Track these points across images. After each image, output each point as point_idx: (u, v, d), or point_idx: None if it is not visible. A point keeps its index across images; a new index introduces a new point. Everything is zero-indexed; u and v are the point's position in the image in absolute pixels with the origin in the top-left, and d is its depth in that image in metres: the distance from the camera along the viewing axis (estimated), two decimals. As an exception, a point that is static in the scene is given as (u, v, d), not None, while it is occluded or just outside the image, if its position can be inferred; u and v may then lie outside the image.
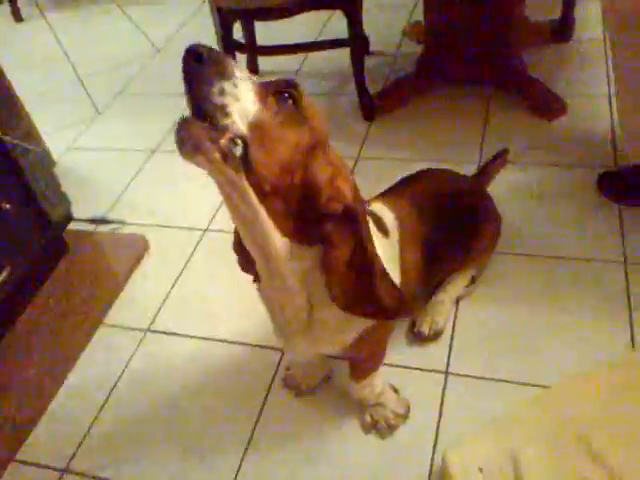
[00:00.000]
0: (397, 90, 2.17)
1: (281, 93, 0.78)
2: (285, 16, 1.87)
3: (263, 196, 0.78)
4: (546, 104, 2.00)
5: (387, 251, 1.05)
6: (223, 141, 0.71)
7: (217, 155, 0.71)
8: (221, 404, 1.35)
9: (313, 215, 0.82)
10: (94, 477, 1.27)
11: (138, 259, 1.76)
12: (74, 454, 1.32)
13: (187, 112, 0.72)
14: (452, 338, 1.38)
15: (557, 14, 2.35)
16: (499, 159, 1.75)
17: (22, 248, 1.56)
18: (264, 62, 2.50)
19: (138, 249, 1.78)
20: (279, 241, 0.84)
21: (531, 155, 1.84)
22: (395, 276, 1.05)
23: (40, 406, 1.42)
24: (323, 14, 2.55)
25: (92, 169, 2.18)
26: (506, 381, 1.28)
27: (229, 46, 2.00)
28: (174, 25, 3.11)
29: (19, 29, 3.48)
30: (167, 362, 1.47)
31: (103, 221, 1.92)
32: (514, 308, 1.42)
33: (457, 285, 1.43)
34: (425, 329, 1.37)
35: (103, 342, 1.55)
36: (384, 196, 1.28)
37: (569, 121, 1.96)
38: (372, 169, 1.91)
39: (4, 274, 1.46)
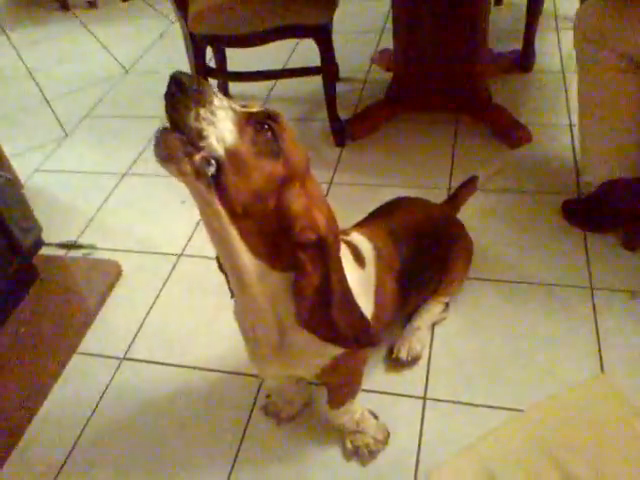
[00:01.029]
0: (367, 116, 2.21)
1: (261, 124, 0.81)
2: (257, 44, 1.90)
3: (235, 217, 0.82)
4: (510, 132, 2.08)
5: (362, 282, 1.08)
6: (197, 157, 0.76)
7: (189, 168, 0.76)
8: (202, 433, 1.35)
9: (286, 242, 0.85)
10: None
11: (111, 285, 1.74)
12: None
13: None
14: (429, 363, 1.42)
15: (519, 46, 2.45)
16: (469, 186, 1.81)
17: (-7, 277, 1.53)
18: (234, 85, 2.52)
19: (111, 275, 1.76)
20: (250, 262, 0.87)
21: (498, 181, 1.91)
22: (369, 307, 1.09)
23: (10, 442, 1.38)
24: (292, 40, 2.59)
25: (61, 192, 2.15)
26: (482, 405, 1.31)
27: (202, 71, 2.01)
28: (141, 46, 3.10)
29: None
30: (145, 391, 1.45)
31: (74, 246, 1.89)
32: (486, 333, 1.47)
33: (432, 311, 1.47)
34: (403, 355, 1.40)
35: (77, 371, 1.52)
36: (363, 226, 1.31)
37: (533, 149, 2.04)
38: (344, 194, 1.95)
39: (-26, 303, 1.42)
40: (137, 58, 3.00)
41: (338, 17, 2.76)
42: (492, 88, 2.21)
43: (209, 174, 0.77)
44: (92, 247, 1.89)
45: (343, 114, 2.22)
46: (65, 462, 1.33)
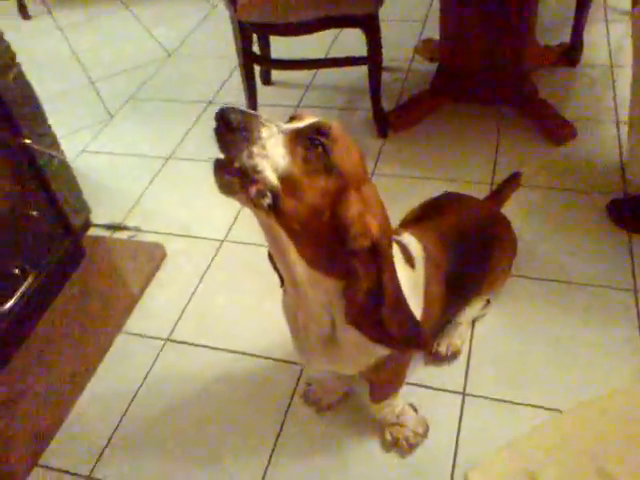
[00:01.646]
0: (411, 108, 2.21)
1: (311, 141, 0.82)
2: (305, 33, 1.90)
3: (292, 233, 0.84)
4: (555, 128, 2.05)
5: (412, 283, 1.09)
6: (252, 191, 0.78)
7: (245, 200, 0.80)
8: (242, 417, 1.38)
9: (341, 250, 0.86)
10: (119, 487, 1.30)
11: (156, 267, 1.78)
12: (96, 462, 1.34)
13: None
14: (469, 359, 1.43)
15: (566, 38, 2.41)
16: (513, 182, 1.80)
17: (45, 254, 1.57)
18: (277, 72, 2.53)
19: (155, 257, 1.80)
20: (305, 271, 0.90)
21: (541, 178, 1.89)
22: (418, 308, 1.09)
23: (59, 415, 1.43)
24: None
25: (106, 174, 2.20)
26: (521, 404, 1.32)
27: (249, 59, 2.03)
28: (184, 29, 3.12)
29: (26, 27, 3.46)
30: (187, 373, 1.49)
31: (120, 227, 1.94)
32: (528, 332, 1.47)
33: (474, 307, 1.47)
34: (443, 350, 1.41)
35: (122, 350, 1.57)
36: (413, 226, 1.31)
37: (578, 145, 2.01)
38: (386, 186, 1.95)
39: (29, 280, 1.47)
40: (180, 41, 3.02)
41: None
42: (538, 82, 2.18)
43: (265, 204, 0.79)
44: (137, 229, 1.93)
45: (385, 104, 2.21)
46: (110, 440, 1.38)
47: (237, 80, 2.37)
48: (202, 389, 1.45)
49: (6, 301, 1.42)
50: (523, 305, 1.53)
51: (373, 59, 1.95)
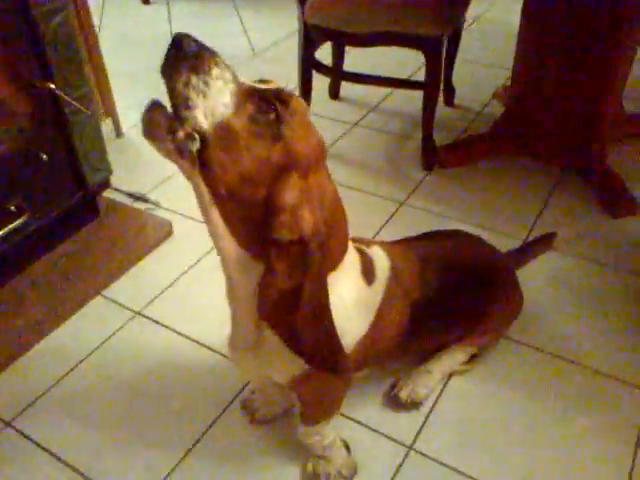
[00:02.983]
0: (466, 147, 2.09)
1: (267, 103, 0.75)
2: (365, 45, 1.85)
3: (218, 198, 0.76)
4: (617, 200, 1.86)
5: (363, 299, 0.98)
6: (180, 133, 0.71)
7: (171, 147, 0.72)
8: (177, 406, 1.31)
9: (265, 233, 0.77)
10: (28, 438, 1.25)
11: (158, 242, 1.76)
12: (23, 411, 1.31)
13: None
14: (429, 413, 1.28)
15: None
16: (545, 242, 1.65)
17: (49, 200, 1.59)
18: (347, 89, 2.49)
19: (161, 233, 1.78)
20: (232, 246, 0.82)
21: (582, 246, 1.71)
22: (362, 327, 0.99)
23: (8, 355, 1.42)
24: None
25: (149, 148, 2.22)
26: (466, 475, 1.16)
27: (307, 62, 2.00)
28: (277, 35, 3.16)
29: (143, 10, 3.67)
30: (143, 349, 1.45)
31: (140, 198, 1.94)
32: (508, 402, 1.30)
33: (453, 359, 1.33)
34: (403, 395, 1.27)
35: (93, 312, 1.55)
36: (392, 243, 1.20)
37: (634, 224, 1.80)
38: (412, 218, 1.84)
39: (21, 220, 1.49)
40: (269, 45, 3.07)
41: (468, 45, 2.68)
42: (612, 149, 1.99)
43: (193, 150, 0.72)
44: (156, 204, 1.92)
45: (445, 140, 2.11)
46: (44, 394, 1.35)
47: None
48: (151, 369, 1.40)
49: (-6, 233, 1.44)
50: (512, 373, 1.36)
51: (429, 85, 1.86)
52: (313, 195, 0.79)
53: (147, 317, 1.53)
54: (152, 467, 1.19)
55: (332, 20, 1.83)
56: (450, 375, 1.35)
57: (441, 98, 2.34)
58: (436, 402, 1.30)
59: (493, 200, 1.90)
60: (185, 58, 0.71)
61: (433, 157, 2.02)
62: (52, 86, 1.45)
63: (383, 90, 2.52)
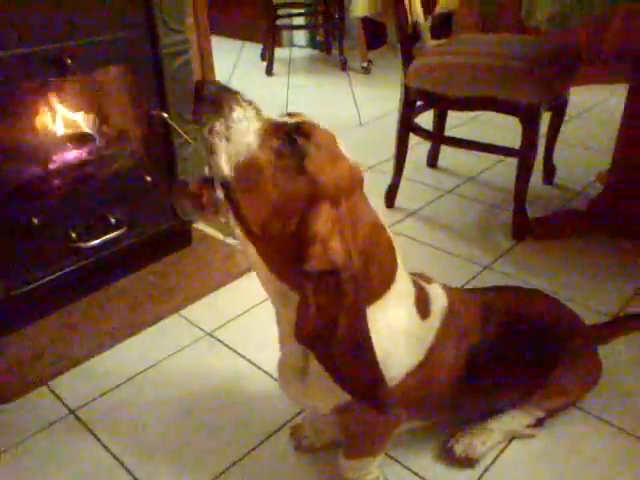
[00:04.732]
0: (560, 221, 2.02)
1: (290, 137, 0.77)
2: (463, 109, 1.90)
3: (250, 236, 0.79)
4: None
5: (414, 330, 0.96)
6: (204, 199, 0.77)
7: (207, 217, 0.79)
8: (230, 421, 1.32)
9: (298, 266, 0.77)
10: (87, 428, 1.31)
11: (240, 274, 1.83)
12: (87, 403, 1.37)
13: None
14: (482, 475, 1.19)
15: None
16: (637, 320, 1.53)
17: (146, 220, 1.72)
18: (445, 159, 2.53)
19: (244, 266, 1.85)
20: (268, 277, 0.83)
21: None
22: (410, 360, 0.96)
23: (88, 354, 1.51)
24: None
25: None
26: None
27: (405, 124, 2.06)
28: (389, 108, 3.28)
29: (267, 80, 4.00)
30: (207, 366, 1.48)
31: (232, 235, 2.04)
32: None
33: (517, 420, 1.24)
34: (459, 449, 1.20)
35: (166, 328, 1.62)
36: (456, 289, 1.17)
37: None
38: (494, 281, 1.77)
39: (118, 232, 1.61)
40: (376, 117, 3.20)
41: (574, 126, 2.65)
42: None
43: (220, 197, 0.76)
44: (245, 241, 2.01)
45: (536, 213, 2.07)
46: (106, 393, 1.41)
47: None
48: (210, 385, 1.43)
49: (93, 239, 1.57)
50: (583, 449, 1.24)
51: (524, 153, 1.85)
52: (345, 224, 0.79)
53: (216, 338, 1.58)
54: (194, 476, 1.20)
55: (431, 83, 1.90)
56: (512, 438, 1.26)
57: (540, 176, 2.33)
58: (492, 464, 1.21)
59: (583, 276, 1.81)
60: (206, 105, 0.75)
61: (524, 227, 1.97)
62: (165, 115, 1.61)
63: (481, 163, 2.54)
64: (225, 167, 0.75)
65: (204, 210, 0.78)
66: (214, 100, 0.75)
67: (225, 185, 0.76)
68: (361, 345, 0.81)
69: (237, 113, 0.76)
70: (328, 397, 0.94)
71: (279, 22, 4.17)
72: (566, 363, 1.21)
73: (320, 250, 0.75)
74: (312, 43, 4.78)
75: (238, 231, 0.80)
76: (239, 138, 0.75)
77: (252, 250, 0.81)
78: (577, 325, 1.30)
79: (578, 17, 1.30)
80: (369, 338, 0.82)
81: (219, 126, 0.74)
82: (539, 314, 1.21)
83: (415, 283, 1.00)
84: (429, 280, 1.07)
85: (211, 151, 0.75)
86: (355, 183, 0.82)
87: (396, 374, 0.93)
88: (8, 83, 1.34)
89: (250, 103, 0.78)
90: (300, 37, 4.84)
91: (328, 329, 0.78)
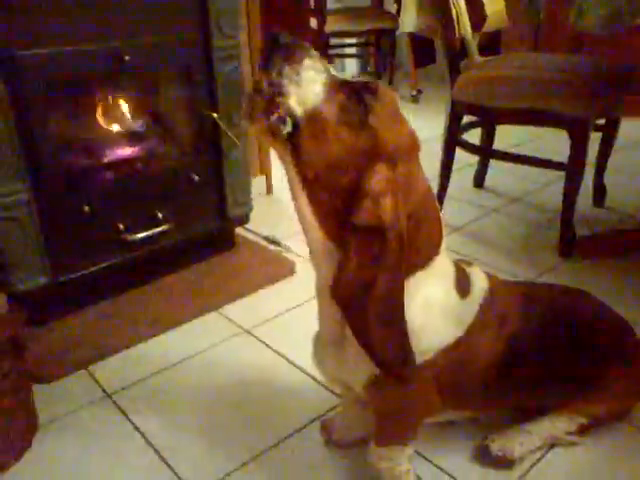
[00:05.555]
0: (609, 239, 1.97)
1: (356, 93, 0.79)
2: (509, 122, 1.89)
3: (306, 182, 0.80)
4: None
5: (452, 307, 0.95)
6: (273, 116, 0.77)
7: (265, 126, 0.78)
8: (263, 412, 1.32)
9: (346, 219, 0.79)
10: (123, 413, 1.33)
11: (280, 277, 1.84)
12: (124, 388, 1.39)
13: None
14: (524, 477, 1.14)
15: None
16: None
17: (192, 219, 1.76)
18: (493, 179, 2.51)
19: (285, 269, 1.86)
20: (318, 236, 0.84)
21: None
22: (444, 335, 0.94)
23: (129, 342, 1.54)
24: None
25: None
26: None
27: (451, 139, 2.06)
28: (439, 132, 3.31)
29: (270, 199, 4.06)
30: (243, 360, 1.49)
31: (275, 242, 2.06)
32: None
33: (557, 425, 1.18)
34: (494, 447, 1.15)
35: (206, 323, 1.64)
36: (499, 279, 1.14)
37: None
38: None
39: (165, 226, 1.65)
40: (424, 140, 3.20)
41: (629, 155, 2.58)
42: None
43: (284, 132, 0.78)
44: (287, 249, 2.03)
45: (587, 233, 2.03)
46: (142, 380, 1.43)
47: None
48: (245, 378, 1.43)
49: (139, 232, 1.61)
50: (631, 465, 1.16)
51: (572, 167, 1.81)
52: (399, 186, 0.81)
53: (253, 335, 1.58)
54: (207, 464, 1.19)
55: (476, 95, 1.91)
56: (552, 444, 1.20)
57: (591, 198, 2.28)
58: (529, 470, 1.16)
59: (632, 294, 1.74)
60: (279, 50, 0.78)
61: (571, 243, 1.92)
62: (215, 115, 1.66)
63: (528, 185, 2.51)
64: (296, 108, 0.77)
65: (266, 126, 0.78)
66: (287, 47, 0.78)
67: (294, 125, 0.77)
68: (394, 312, 0.81)
69: (307, 62, 0.78)
70: (362, 368, 0.93)
71: (331, 51, 4.26)
72: (613, 370, 1.16)
73: (371, 205, 0.77)
74: (363, 72, 4.87)
75: (293, 175, 0.81)
76: (308, 85, 0.78)
77: (303, 199, 0.82)
78: (628, 333, 1.24)
79: (629, 18, 1.29)
80: (402, 306, 0.82)
81: (289, 69, 0.77)
82: (586, 314, 1.18)
83: (456, 264, 1.00)
84: (470, 264, 1.06)
85: (280, 91, 0.77)
86: (413, 148, 0.84)
87: (427, 347, 0.92)
88: (71, 77, 1.42)
89: (320, 58, 0.81)
90: (352, 65, 4.93)
91: (365, 288, 0.79)
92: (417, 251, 0.87)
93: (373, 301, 0.79)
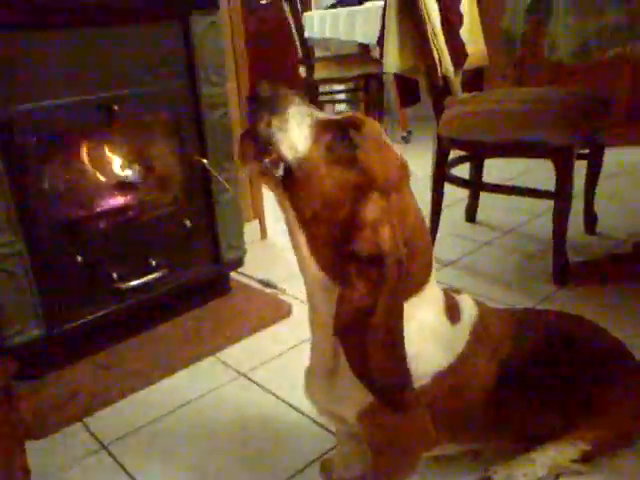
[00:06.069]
0: (603, 266, 1.97)
1: (342, 131, 0.82)
2: (494, 155, 1.92)
3: (304, 222, 0.83)
4: None
5: (443, 333, 0.96)
6: (266, 160, 0.80)
7: (257, 169, 0.82)
8: (262, 455, 1.30)
9: (345, 250, 0.81)
10: (119, 464, 1.30)
11: (276, 320, 1.83)
12: (119, 438, 1.37)
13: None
14: (526, 507, 1.11)
15: None
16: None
17: (186, 265, 1.77)
18: (484, 213, 2.53)
19: (281, 312, 1.86)
20: (315, 271, 0.86)
21: None
22: (437, 360, 0.94)
23: (122, 393, 1.52)
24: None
25: (289, 250, 2.39)
26: None
27: (439, 175, 2.09)
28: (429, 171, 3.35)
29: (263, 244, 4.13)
30: (240, 404, 1.47)
31: (269, 284, 2.06)
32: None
33: (561, 452, 1.15)
34: (497, 478, 1.13)
35: (201, 369, 1.63)
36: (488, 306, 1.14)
37: None
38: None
39: (158, 273, 1.66)
40: (416, 179, 3.23)
41: (617, 182, 2.61)
42: None
43: (276, 175, 0.81)
44: (282, 291, 2.02)
45: (579, 259, 2.03)
46: (139, 429, 1.41)
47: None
48: (242, 422, 1.41)
49: (133, 280, 1.61)
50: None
51: (559, 194, 1.83)
52: (393, 214, 0.83)
53: (249, 379, 1.57)
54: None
55: (458, 130, 1.94)
56: (557, 474, 1.17)
57: (582, 225, 2.29)
58: (537, 499, 1.13)
59: (630, 320, 1.73)
60: (263, 103, 0.81)
61: (564, 271, 1.92)
62: (205, 162, 1.69)
63: (519, 217, 2.53)
64: (288, 153, 0.80)
65: (258, 169, 0.82)
66: (269, 100, 0.81)
67: (286, 170, 0.80)
68: (394, 336, 0.82)
69: (292, 109, 0.81)
70: (355, 398, 0.93)
71: (321, 97, 4.35)
72: (613, 394, 1.15)
73: (370, 235, 0.79)
74: (353, 116, 4.96)
75: (290, 214, 0.83)
76: (295, 131, 0.80)
77: (300, 236, 0.84)
78: (626, 356, 1.23)
79: (598, 51, 1.33)
80: (402, 330, 0.83)
81: (275, 121, 0.80)
82: (583, 337, 1.17)
83: (445, 292, 1.00)
84: (458, 292, 1.07)
85: (270, 142, 0.80)
86: (403, 176, 0.86)
87: (423, 372, 0.92)
88: (61, 129, 1.45)
89: (304, 101, 0.84)
90: (342, 109, 5.03)
91: (365, 316, 0.80)
92: (411, 277, 0.88)
93: (373, 327, 0.81)
